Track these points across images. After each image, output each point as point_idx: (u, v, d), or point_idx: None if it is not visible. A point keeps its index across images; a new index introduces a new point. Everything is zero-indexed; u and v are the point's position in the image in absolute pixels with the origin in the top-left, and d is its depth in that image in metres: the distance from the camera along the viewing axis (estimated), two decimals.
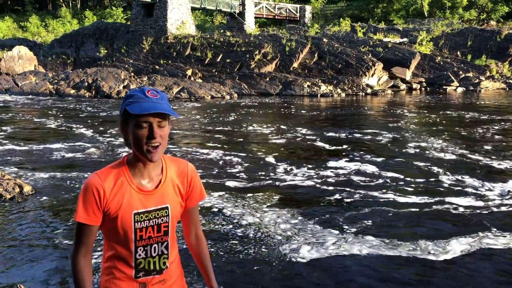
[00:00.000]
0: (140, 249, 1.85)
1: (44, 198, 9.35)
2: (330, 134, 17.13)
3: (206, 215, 8.26)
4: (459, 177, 10.80)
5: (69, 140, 15.82)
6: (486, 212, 8.39)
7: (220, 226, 7.74)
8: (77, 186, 10.08)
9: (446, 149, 14.24)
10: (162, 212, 1.86)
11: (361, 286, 5.70)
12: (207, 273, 2.18)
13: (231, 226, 7.74)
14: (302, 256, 6.54)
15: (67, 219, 7.98)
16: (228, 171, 11.52)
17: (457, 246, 6.75)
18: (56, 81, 35.50)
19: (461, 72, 39.20)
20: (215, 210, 8.50)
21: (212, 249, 6.55)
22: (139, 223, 1.81)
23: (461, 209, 8.52)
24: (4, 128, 18.54)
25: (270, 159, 12.93)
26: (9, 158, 13.16)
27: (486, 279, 5.79)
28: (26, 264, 6.29)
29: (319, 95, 33.31)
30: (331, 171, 11.41)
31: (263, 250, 6.69)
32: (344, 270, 6.16)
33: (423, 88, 38.48)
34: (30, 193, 9.69)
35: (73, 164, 12.12)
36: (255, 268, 6.05)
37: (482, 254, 6.54)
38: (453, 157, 13.10)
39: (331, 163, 12.30)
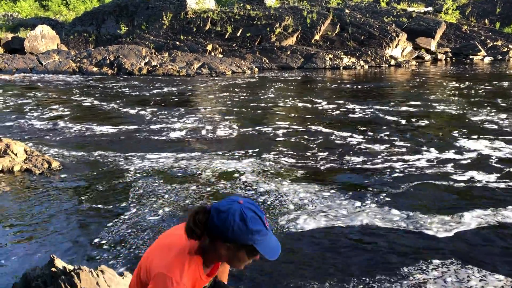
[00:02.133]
0: None
1: (72, 173, 9.59)
2: (354, 106, 16.93)
3: (229, 179, 8.52)
4: (489, 148, 10.59)
5: (98, 118, 16.09)
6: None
7: (242, 191, 7.96)
8: (104, 164, 10.28)
9: (470, 118, 13.92)
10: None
11: (377, 256, 5.73)
12: None
13: (252, 192, 7.95)
14: (314, 224, 6.59)
15: (93, 194, 8.22)
16: (258, 144, 11.57)
17: (473, 220, 6.70)
18: (78, 59, 35.89)
19: (488, 41, 37.92)
20: (238, 176, 8.62)
21: None
22: None
23: (486, 184, 8.38)
24: (34, 106, 18.98)
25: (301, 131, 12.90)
26: (39, 135, 13.51)
27: (499, 250, 5.76)
28: (58, 236, 6.52)
29: (341, 67, 32.80)
30: (357, 141, 11.32)
31: (280, 218, 6.76)
32: (358, 240, 6.20)
33: (448, 59, 37.46)
34: (58, 168, 9.95)
35: (101, 143, 12.34)
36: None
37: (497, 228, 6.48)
38: (483, 126, 12.80)
39: (356, 136, 12.19)
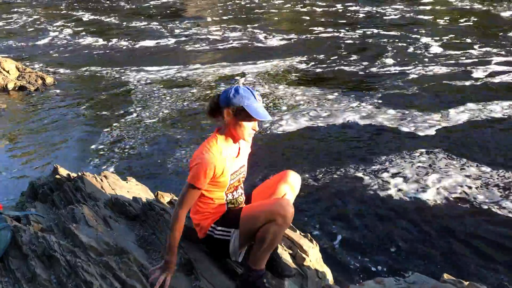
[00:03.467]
0: (229, 195, 2.45)
1: (68, 88, 9.48)
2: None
3: (228, 83, 8.65)
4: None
5: (92, 32, 15.52)
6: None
7: None
8: (101, 77, 10.09)
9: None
10: (242, 168, 2.49)
11: (362, 146, 6.02)
12: None
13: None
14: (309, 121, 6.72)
15: (91, 104, 8.19)
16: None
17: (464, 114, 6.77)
18: None
19: None
20: (238, 79, 8.65)
21: None
22: (231, 180, 2.40)
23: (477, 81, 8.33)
24: (20, 23, 18.25)
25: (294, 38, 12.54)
26: (28, 53, 13.14)
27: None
28: (60, 147, 6.61)
29: None
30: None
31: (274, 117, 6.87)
32: (351, 135, 6.38)
33: None
34: (53, 83, 9.81)
35: (97, 58, 12.02)
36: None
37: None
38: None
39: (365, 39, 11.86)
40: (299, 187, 2.56)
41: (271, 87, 8.41)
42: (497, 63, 8.97)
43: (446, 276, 2.20)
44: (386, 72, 8.93)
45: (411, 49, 10.41)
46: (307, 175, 5.28)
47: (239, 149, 2.47)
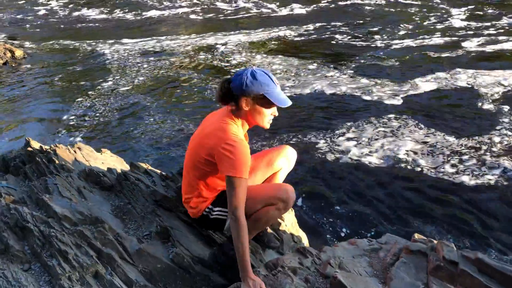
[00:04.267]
0: None
1: (39, 60, 9.19)
2: None
3: (208, 51, 8.48)
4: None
5: (64, 7, 14.98)
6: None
7: (218, 62, 7.97)
8: (73, 50, 9.80)
9: None
10: None
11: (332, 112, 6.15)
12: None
13: (226, 63, 7.95)
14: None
15: (60, 76, 7.97)
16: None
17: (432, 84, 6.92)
18: None
19: None
20: (217, 48, 8.59)
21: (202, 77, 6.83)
22: None
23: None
24: None
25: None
26: None
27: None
28: (32, 120, 6.44)
29: None
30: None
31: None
32: (319, 103, 6.45)
33: None
34: (23, 57, 9.51)
35: (67, 32, 11.64)
36: None
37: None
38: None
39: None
40: (294, 163, 2.54)
41: (249, 56, 8.35)
42: (476, 34, 9.13)
43: (417, 236, 2.26)
44: (371, 44, 8.96)
45: (400, 23, 10.44)
46: (271, 142, 5.36)
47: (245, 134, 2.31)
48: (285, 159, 2.48)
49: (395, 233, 2.49)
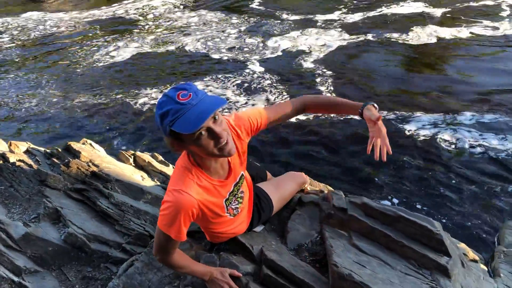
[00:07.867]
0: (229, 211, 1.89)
1: (10, 35, 8.39)
2: None
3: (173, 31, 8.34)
4: None
5: None
6: None
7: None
8: (46, 26, 8.73)
9: None
10: (241, 181, 1.89)
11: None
12: (348, 104, 1.91)
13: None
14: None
15: (34, 54, 7.42)
16: None
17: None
18: None
19: None
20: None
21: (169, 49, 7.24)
22: (228, 203, 1.84)
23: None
24: None
25: None
26: None
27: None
28: None
29: None
30: None
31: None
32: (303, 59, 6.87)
33: None
34: None
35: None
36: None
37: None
38: None
39: None
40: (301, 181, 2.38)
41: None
42: None
43: (309, 187, 2.38)
44: None
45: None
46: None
47: (229, 163, 1.83)
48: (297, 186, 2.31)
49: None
